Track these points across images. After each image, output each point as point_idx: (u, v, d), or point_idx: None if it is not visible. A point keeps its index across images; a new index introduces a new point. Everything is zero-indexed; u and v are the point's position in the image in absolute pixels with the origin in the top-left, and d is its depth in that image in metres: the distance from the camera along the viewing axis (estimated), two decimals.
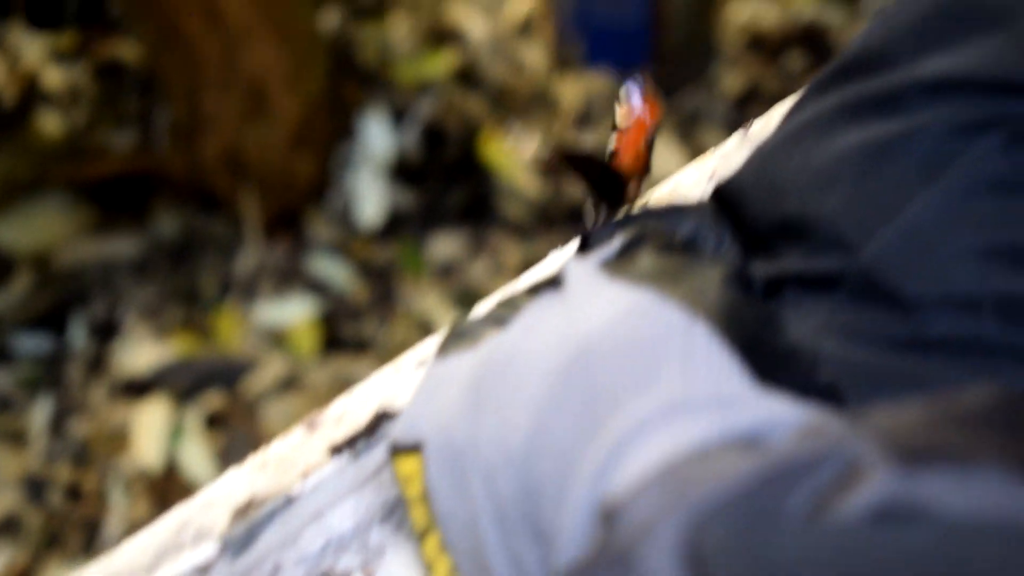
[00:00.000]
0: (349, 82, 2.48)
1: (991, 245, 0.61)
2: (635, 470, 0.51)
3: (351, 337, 2.22)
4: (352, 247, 2.33)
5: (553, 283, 0.63)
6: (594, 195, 0.78)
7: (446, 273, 2.31)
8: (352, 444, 0.72)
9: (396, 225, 2.37)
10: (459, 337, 0.65)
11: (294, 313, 2.22)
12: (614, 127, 0.80)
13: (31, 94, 2.41)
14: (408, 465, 0.63)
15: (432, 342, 0.77)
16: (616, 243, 0.67)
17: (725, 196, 0.74)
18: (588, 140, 2.49)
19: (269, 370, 2.15)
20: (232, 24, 2.14)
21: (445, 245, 2.35)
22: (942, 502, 0.42)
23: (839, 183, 0.65)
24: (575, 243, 0.84)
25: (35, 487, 2.04)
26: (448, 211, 2.39)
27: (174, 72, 2.24)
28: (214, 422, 2.09)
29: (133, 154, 2.35)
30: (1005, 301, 0.61)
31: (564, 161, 0.75)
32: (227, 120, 2.25)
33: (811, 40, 2.70)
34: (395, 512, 0.74)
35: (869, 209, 0.64)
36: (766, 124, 0.95)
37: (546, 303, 0.61)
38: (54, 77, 2.39)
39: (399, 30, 2.65)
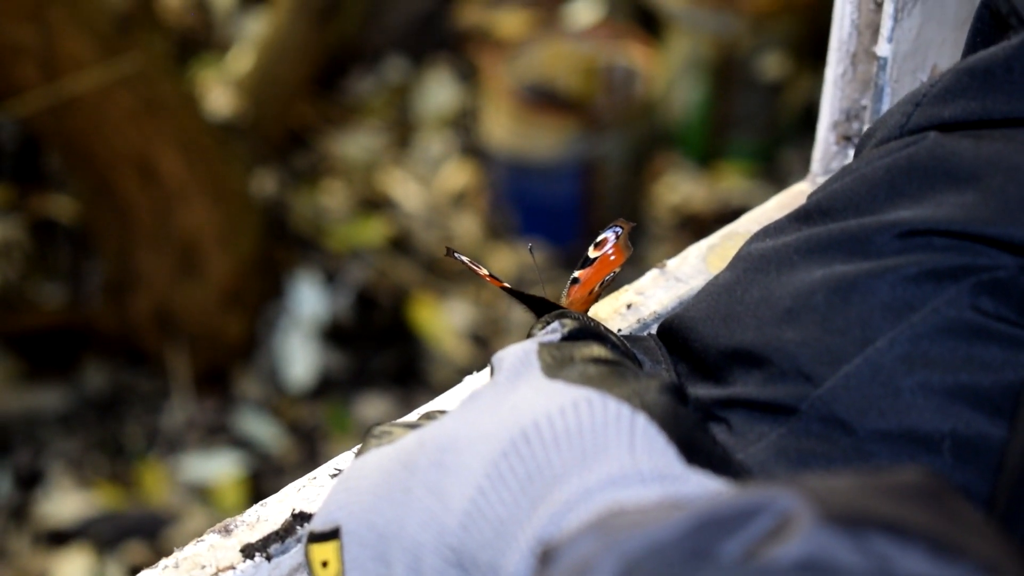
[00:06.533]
0: (282, 245, 2.50)
1: (955, 386, 0.64)
2: (576, 524, 0.53)
3: None
4: (280, 406, 2.33)
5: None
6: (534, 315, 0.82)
7: None
8: (266, 546, 0.73)
9: (325, 386, 2.38)
10: (375, 438, 0.67)
11: (219, 469, 2.21)
12: (585, 258, 0.85)
13: None
14: (324, 551, 0.64)
15: (349, 454, 0.79)
16: (557, 328, 0.69)
17: (672, 329, 0.77)
18: (516, 311, 2.51)
19: (192, 524, 2.13)
20: (166, 184, 2.15)
21: (373, 407, 2.36)
22: (862, 564, 0.45)
23: (802, 317, 0.68)
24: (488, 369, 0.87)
25: None
26: (377, 374, 2.40)
27: (107, 229, 2.24)
28: (135, 574, 2.07)
29: (63, 308, 2.34)
30: (962, 441, 0.63)
31: (510, 294, 0.79)
32: (158, 278, 2.25)
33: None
34: None
35: (833, 343, 0.66)
36: (682, 261, 0.98)
37: (480, 397, 0.63)
38: None
39: (334, 197, 2.68)
